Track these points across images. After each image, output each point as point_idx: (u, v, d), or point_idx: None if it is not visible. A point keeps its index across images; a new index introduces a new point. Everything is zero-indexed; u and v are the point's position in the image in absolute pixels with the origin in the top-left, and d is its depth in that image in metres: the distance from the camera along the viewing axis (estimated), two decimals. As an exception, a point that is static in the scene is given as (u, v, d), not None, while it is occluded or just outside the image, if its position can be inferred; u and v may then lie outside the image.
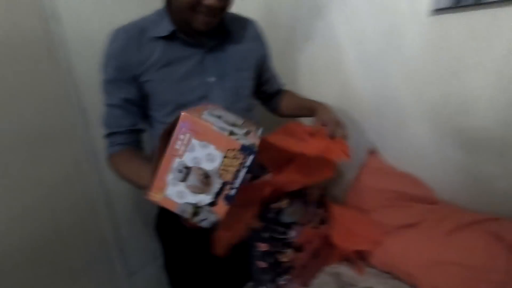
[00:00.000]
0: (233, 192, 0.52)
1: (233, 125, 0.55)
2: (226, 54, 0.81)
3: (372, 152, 1.03)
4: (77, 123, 1.07)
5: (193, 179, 0.51)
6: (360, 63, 0.98)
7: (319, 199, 0.89)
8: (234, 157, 0.50)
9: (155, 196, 0.53)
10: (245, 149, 0.50)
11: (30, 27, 0.96)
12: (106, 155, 0.79)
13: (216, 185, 0.52)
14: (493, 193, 0.83)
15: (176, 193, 0.52)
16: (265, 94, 0.99)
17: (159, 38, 0.75)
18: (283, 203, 0.80)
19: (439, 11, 0.78)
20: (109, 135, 0.79)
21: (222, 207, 0.53)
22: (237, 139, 0.50)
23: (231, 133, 0.51)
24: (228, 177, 0.51)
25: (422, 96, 0.88)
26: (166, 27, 0.74)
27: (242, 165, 0.51)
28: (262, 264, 0.78)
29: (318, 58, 1.06)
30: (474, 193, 0.87)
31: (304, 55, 1.10)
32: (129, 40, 0.74)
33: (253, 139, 0.53)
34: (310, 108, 0.87)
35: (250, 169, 0.51)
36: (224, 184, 0.52)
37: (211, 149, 0.50)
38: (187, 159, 0.50)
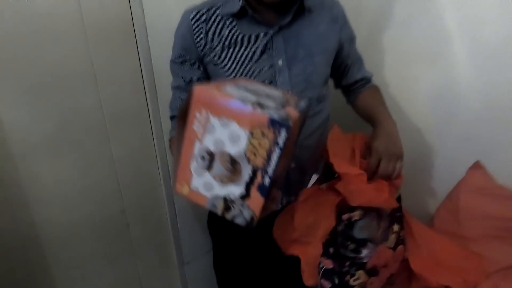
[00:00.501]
0: (266, 181, 0.41)
1: (264, 96, 0.43)
2: (299, 35, 0.74)
3: (476, 166, 0.82)
4: (147, 105, 1.10)
5: (218, 166, 0.42)
6: (472, 57, 0.78)
7: (394, 211, 0.74)
8: (263, 135, 0.39)
9: (181, 189, 0.45)
10: (275, 123, 0.38)
11: (116, 10, 0.99)
12: (169, 139, 0.79)
13: (246, 172, 0.41)
14: None
15: (203, 185, 0.44)
16: (343, 83, 0.88)
17: (227, 16, 0.71)
18: (356, 214, 0.67)
19: None
20: (172, 118, 0.79)
21: (256, 201, 0.42)
22: (264, 112, 0.39)
23: (258, 104, 0.39)
24: (259, 161, 0.40)
25: None
26: (235, 4, 0.69)
27: (274, 144, 0.39)
28: (326, 284, 0.66)
29: (415, 44, 0.89)
30: None
31: (394, 43, 0.93)
32: (197, 20, 0.72)
33: (288, 111, 0.40)
34: (373, 123, 0.76)
35: (283, 151, 0.39)
36: (255, 170, 0.41)
37: (234, 127, 0.40)
38: (208, 142, 0.41)
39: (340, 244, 0.63)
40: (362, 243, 0.64)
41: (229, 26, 0.71)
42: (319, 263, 0.70)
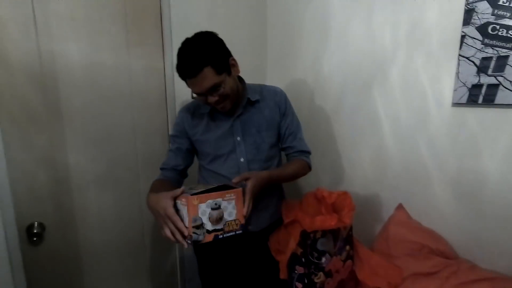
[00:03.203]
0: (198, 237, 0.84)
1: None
2: (250, 118, 1.11)
3: (400, 207, 1.23)
4: (167, 124, 1.44)
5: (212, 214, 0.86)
6: (394, 133, 1.21)
7: (347, 238, 1.11)
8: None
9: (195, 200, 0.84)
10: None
11: (154, 85, 1.39)
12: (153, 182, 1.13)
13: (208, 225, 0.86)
14: (502, 254, 0.98)
15: (202, 211, 0.84)
16: (281, 146, 1.21)
17: (204, 113, 1.12)
18: (318, 233, 1.04)
19: (458, 104, 1.01)
20: (160, 169, 1.16)
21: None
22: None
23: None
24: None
25: (444, 166, 1.08)
26: (207, 107, 1.10)
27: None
28: (299, 285, 1.01)
29: (360, 124, 1.32)
30: (486, 252, 1.01)
31: (348, 122, 1.36)
32: (187, 114, 1.14)
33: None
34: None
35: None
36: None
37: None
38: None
39: (309, 253, 0.99)
40: (322, 253, 0.99)
41: (206, 119, 1.11)
42: (294, 270, 1.05)
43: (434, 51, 1.05)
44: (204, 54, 0.93)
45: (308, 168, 1.21)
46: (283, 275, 1.04)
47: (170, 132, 1.22)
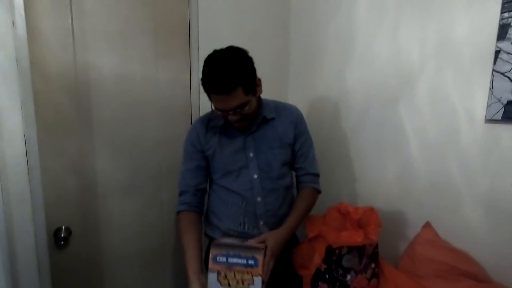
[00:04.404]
0: None
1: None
2: (263, 135, 1.09)
3: (427, 225, 1.18)
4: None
5: None
6: (421, 149, 1.19)
7: (372, 255, 1.08)
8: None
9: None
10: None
11: (182, 97, 1.42)
12: (176, 211, 1.11)
13: None
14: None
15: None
16: (293, 166, 1.18)
17: (217, 127, 1.09)
18: (343, 250, 1.01)
19: (492, 120, 0.98)
20: (180, 193, 1.12)
21: None
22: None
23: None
24: None
25: (475, 184, 1.04)
26: (221, 121, 1.08)
27: None
28: (322, 300, 0.98)
29: (386, 139, 1.30)
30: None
31: (373, 137, 1.34)
32: (200, 128, 1.11)
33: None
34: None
35: None
36: None
37: None
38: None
39: (334, 270, 0.97)
40: (347, 270, 0.97)
41: (219, 133, 1.09)
42: (317, 287, 1.02)
43: (465, 66, 1.03)
44: (237, 73, 0.90)
45: (317, 195, 1.20)
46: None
47: (183, 150, 1.14)
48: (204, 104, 1.43)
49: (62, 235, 1.22)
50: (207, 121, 1.12)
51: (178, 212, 1.10)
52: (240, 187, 1.08)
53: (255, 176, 1.08)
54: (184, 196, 1.11)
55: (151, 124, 1.36)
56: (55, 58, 1.15)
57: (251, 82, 0.96)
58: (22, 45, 1.04)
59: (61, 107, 1.18)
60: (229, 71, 0.90)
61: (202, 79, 0.95)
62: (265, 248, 0.91)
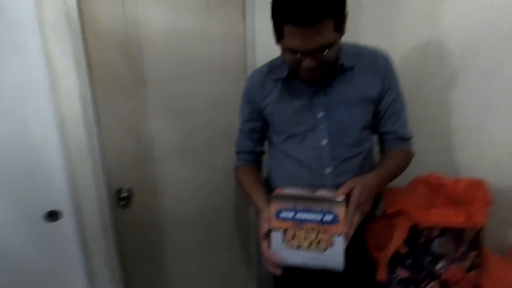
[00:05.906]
0: None
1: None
2: (337, 90, 0.85)
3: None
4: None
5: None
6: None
7: (474, 241, 0.83)
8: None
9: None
10: None
11: (235, 50, 1.28)
12: (234, 168, 1.04)
13: None
14: None
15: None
16: (377, 130, 0.94)
17: (278, 79, 0.90)
18: (434, 232, 0.79)
19: None
20: (237, 153, 1.04)
21: None
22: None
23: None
24: None
25: None
26: (283, 71, 0.87)
27: None
28: (402, 290, 0.80)
29: (492, 93, 0.98)
30: None
31: (475, 92, 1.03)
32: (258, 81, 0.93)
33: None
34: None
35: None
36: None
37: None
38: None
39: (419, 254, 0.77)
40: (438, 257, 0.76)
41: (280, 87, 0.89)
42: (394, 273, 0.83)
43: None
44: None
45: (410, 160, 0.92)
46: (381, 275, 0.84)
47: (240, 107, 1.01)
48: (261, 61, 1.27)
49: (124, 195, 1.25)
50: (265, 72, 0.94)
51: (235, 168, 1.04)
52: (305, 155, 0.89)
53: (324, 142, 0.87)
54: (239, 155, 1.05)
55: (203, 84, 1.27)
56: (105, 15, 1.10)
57: (342, 16, 0.73)
58: (71, 1, 1.00)
59: (115, 66, 1.15)
60: None
61: (275, 3, 0.71)
62: (347, 198, 0.69)
